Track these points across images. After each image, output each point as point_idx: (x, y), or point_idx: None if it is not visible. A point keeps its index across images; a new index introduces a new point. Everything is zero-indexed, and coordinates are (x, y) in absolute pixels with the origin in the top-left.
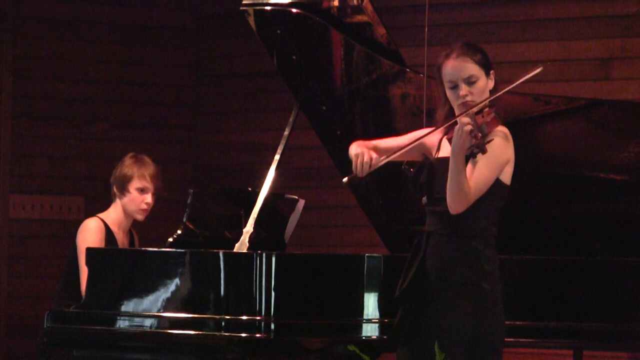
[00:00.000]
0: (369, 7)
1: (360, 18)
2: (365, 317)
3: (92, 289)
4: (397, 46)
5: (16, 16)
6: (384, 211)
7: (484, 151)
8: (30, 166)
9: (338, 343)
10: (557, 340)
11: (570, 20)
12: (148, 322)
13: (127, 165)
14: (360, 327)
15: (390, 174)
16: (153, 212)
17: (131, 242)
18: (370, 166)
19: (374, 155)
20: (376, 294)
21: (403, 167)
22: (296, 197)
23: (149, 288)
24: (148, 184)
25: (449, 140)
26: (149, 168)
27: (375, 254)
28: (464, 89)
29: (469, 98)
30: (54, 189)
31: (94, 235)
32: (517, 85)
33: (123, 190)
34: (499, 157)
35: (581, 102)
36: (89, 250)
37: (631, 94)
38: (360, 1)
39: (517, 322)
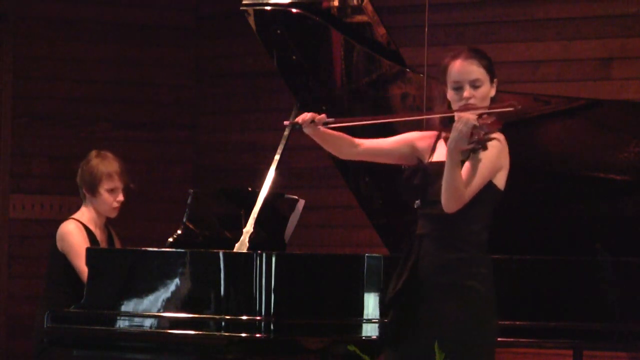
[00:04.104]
0: (369, 7)
1: (360, 18)
2: (365, 317)
3: (92, 289)
4: (397, 46)
5: (16, 16)
6: (384, 211)
7: (485, 147)
8: (30, 166)
9: (338, 343)
10: (557, 340)
11: (570, 20)
12: (148, 322)
13: (93, 166)
14: (360, 327)
15: (390, 174)
16: (153, 212)
17: (109, 237)
18: (312, 120)
19: (322, 115)
20: (376, 294)
21: (403, 167)
22: (296, 197)
23: (149, 288)
24: (117, 183)
25: (445, 140)
26: (115, 165)
27: (375, 254)
28: (468, 91)
29: (472, 101)
30: (54, 189)
31: (78, 235)
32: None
33: (93, 192)
34: (495, 159)
35: (581, 102)
36: (89, 251)
37: (631, 94)
38: (360, 1)
39: (517, 322)
